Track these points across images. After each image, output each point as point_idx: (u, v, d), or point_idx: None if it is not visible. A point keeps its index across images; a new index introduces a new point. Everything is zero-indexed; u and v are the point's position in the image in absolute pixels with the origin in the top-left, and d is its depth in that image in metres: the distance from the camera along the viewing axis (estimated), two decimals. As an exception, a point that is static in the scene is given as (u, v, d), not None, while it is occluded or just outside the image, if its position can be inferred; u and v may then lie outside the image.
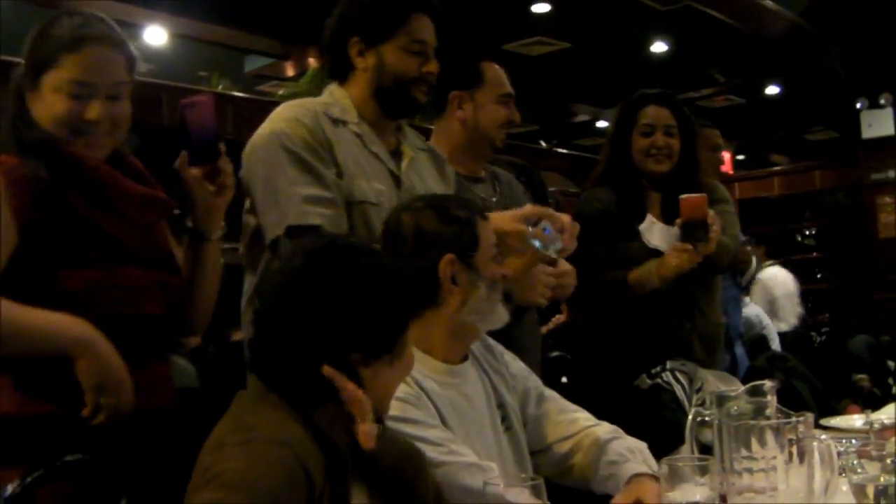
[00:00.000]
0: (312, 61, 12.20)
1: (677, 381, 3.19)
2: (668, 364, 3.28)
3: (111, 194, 2.32)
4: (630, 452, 2.38)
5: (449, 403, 2.29)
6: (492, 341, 2.59)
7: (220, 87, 10.05)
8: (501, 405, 2.45)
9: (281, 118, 2.73)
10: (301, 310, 1.80)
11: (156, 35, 10.72)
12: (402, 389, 2.16)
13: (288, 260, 1.90)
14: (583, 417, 2.53)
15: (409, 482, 1.94)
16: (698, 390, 3.11)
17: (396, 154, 2.88)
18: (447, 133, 3.37)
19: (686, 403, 3.09)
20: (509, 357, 2.60)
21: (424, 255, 2.28)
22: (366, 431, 1.79)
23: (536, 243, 2.60)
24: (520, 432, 2.47)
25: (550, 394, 2.59)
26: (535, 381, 2.60)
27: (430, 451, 2.11)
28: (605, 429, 2.48)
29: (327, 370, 1.78)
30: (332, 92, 2.86)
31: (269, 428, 1.73)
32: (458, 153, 3.33)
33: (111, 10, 10.30)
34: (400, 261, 1.97)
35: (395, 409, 2.11)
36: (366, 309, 1.81)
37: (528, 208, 2.72)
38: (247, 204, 2.78)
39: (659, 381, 3.22)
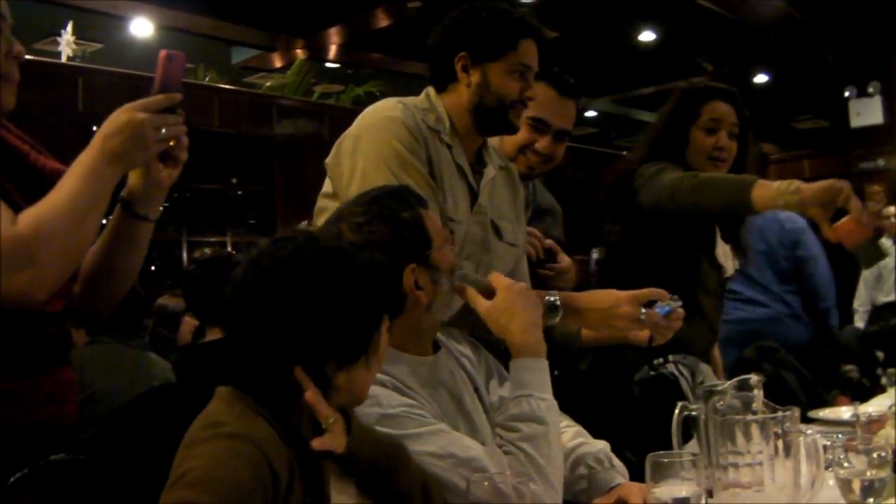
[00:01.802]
0: (299, 52, 12.20)
1: (681, 374, 3.12)
2: (671, 357, 3.17)
3: (24, 171, 2.14)
4: (600, 462, 2.39)
5: (430, 397, 2.27)
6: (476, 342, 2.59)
7: (207, 79, 10.03)
8: (476, 389, 2.44)
9: (386, 110, 2.71)
10: (271, 319, 1.77)
11: (142, 27, 10.70)
12: (397, 399, 2.15)
13: (258, 265, 1.83)
14: (565, 423, 2.49)
15: (387, 476, 1.92)
16: (700, 384, 3.07)
17: (478, 171, 2.85)
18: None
19: (691, 396, 3.04)
20: (477, 344, 2.59)
21: (398, 262, 2.21)
22: (320, 442, 1.78)
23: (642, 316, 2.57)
24: (492, 413, 2.44)
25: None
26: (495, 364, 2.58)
27: (413, 428, 2.11)
28: (588, 441, 2.47)
29: (298, 373, 1.77)
30: (431, 97, 2.83)
31: (235, 424, 1.72)
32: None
33: (98, 2, 10.28)
34: (375, 253, 1.92)
35: (401, 427, 2.10)
36: (337, 319, 1.78)
37: (645, 291, 2.61)
38: (328, 187, 2.74)
39: (663, 371, 3.13)
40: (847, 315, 8.04)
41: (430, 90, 2.85)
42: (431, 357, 2.36)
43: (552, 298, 2.53)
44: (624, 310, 2.54)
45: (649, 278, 3.24)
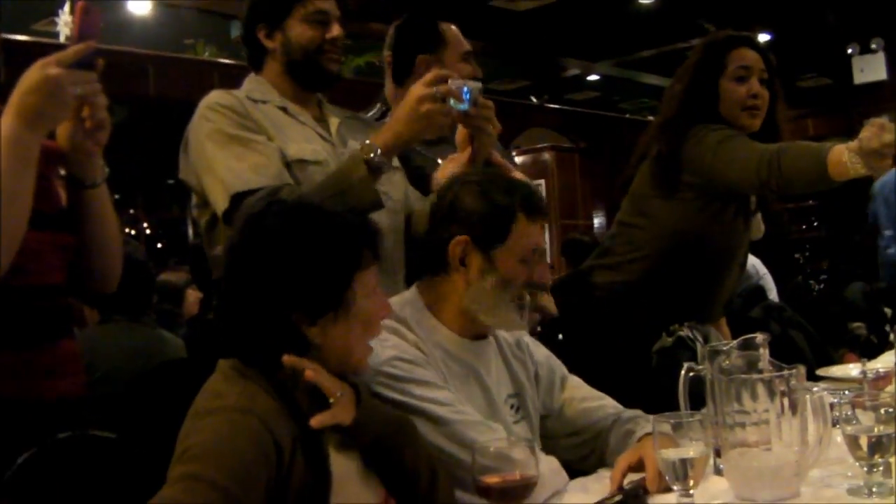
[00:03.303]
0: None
1: (696, 339, 3.08)
2: (686, 324, 3.14)
3: None
4: (637, 421, 2.40)
5: (458, 378, 2.30)
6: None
7: (207, 53, 9.99)
8: (518, 394, 2.45)
9: (202, 108, 2.75)
10: (239, 275, 1.85)
11: (140, 5, 10.63)
12: (411, 352, 2.19)
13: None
14: (609, 404, 2.53)
15: (395, 451, 1.94)
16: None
17: (322, 122, 2.91)
18: None
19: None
20: (532, 343, 2.60)
21: (447, 226, 2.30)
22: (319, 419, 1.79)
23: (451, 102, 2.57)
24: (534, 420, 2.47)
25: (576, 381, 2.60)
26: (559, 368, 2.60)
27: (438, 411, 2.14)
28: (627, 412, 2.48)
29: (287, 359, 1.80)
30: (251, 80, 2.91)
31: (236, 397, 1.75)
32: None
33: (94, -20, 10.21)
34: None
35: (402, 369, 2.15)
36: (300, 267, 1.82)
37: (433, 72, 2.64)
38: (194, 200, 2.81)
39: (681, 334, 3.08)
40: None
41: (251, 76, 2.92)
42: (471, 342, 2.36)
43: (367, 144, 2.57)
44: (418, 92, 2.54)
45: (689, 249, 3.23)
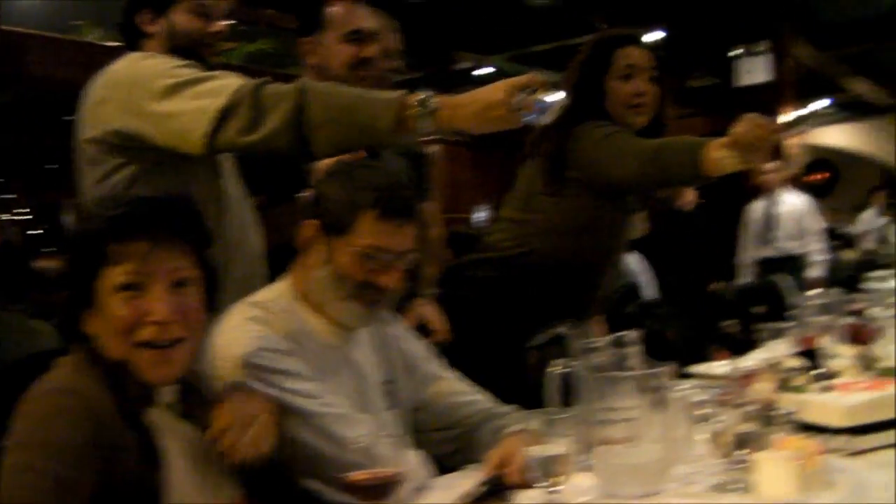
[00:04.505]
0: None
1: (573, 337, 3.09)
2: (563, 320, 3.16)
3: None
4: (508, 417, 2.42)
5: (330, 367, 2.29)
6: (396, 317, 2.59)
7: (93, 36, 9.77)
8: (390, 381, 2.44)
9: (133, 58, 2.71)
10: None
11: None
12: (280, 343, 2.18)
13: None
14: (481, 400, 2.54)
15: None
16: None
17: None
18: None
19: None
20: (407, 332, 2.60)
21: (311, 207, 2.29)
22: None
23: (524, 113, 2.38)
24: (406, 410, 2.47)
25: (449, 374, 2.60)
26: (435, 361, 2.60)
27: (303, 403, 2.12)
28: (499, 408, 2.50)
29: None
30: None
31: (59, 378, 1.73)
32: None
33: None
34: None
35: (268, 360, 2.13)
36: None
37: (523, 78, 2.42)
38: (97, 157, 2.66)
39: (558, 333, 3.09)
40: (730, 270, 8.25)
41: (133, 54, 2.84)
42: (345, 331, 2.35)
43: (424, 97, 2.35)
44: (498, 95, 2.36)
45: (572, 246, 3.24)
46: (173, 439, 1.81)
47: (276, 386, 2.11)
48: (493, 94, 2.35)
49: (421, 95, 2.33)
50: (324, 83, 2.57)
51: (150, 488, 1.73)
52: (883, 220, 12.39)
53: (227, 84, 2.44)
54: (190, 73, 2.53)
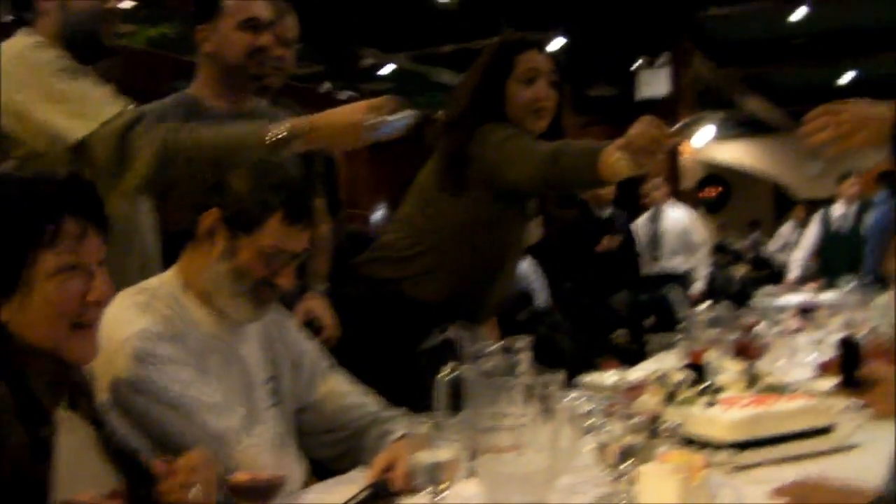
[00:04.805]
0: None
1: (464, 340, 3.08)
2: (455, 323, 3.16)
3: None
4: (396, 421, 2.40)
5: (214, 360, 2.26)
6: (282, 308, 2.54)
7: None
8: (274, 378, 2.41)
9: (19, 48, 2.65)
10: None
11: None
12: (160, 326, 2.14)
13: None
14: (370, 402, 2.52)
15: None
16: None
17: None
18: (202, 69, 3.28)
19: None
20: (297, 329, 2.57)
21: (211, 195, 2.26)
22: None
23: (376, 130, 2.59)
24: (289, 409, 2.44)
25: (340, 375, 2.57)
26: (325, 360, 2.57)
27: (174, 389, 2.10)
28: (386, 412, 2.48)
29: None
30: (29, 32, 2.75)
31: None
32: (216, 88, 3.24)
33: None
34: (30, 182, 1.80)
35: (146, 344, 2.09)
36: None
37: (378, 101, 2.64)
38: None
39: (449, 336, 3.08)
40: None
41: (25, 28, 2.78)
42: (232, 324, 2.32)
43: (282, 127, 2.54)
44: (355, 117, 2.54)
45: (468, 248, 3.22)
46: (63, 431, 1.75)
47: (149, 370, 2.09)
48: (351, 116, 2.55)
49: (280, 126, 2.51)
50: (187, 133, 2.57)
51: (40, 483, 1.67)
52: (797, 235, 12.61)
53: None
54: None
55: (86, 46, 2.74)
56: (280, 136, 2.50)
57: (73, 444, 1.76)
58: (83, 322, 1.75)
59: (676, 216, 8.67)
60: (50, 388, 1.74)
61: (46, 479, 1.68)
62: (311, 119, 2.58)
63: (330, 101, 11.95)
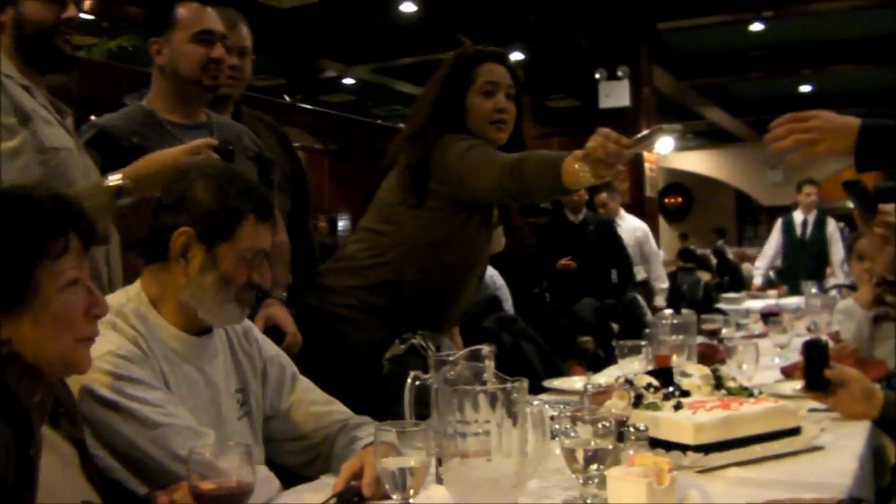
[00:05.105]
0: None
1: (428, 348, 3.07)
2: (418, 332, 3.13)
3: None
4: (363, 428, 2.39)
5: (181, 376, 2.24)
6: (246, 321, 2.52)
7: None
8: (242, 390, 2.40)
9: None
10: None
11: None
12: (127, 348, 2.11)
13: None
14: (337, 409, 2.51)
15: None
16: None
17: (54, 106, 2.79)
18: (156, 82, 3.27)
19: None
20: (262, 339, 2.55)
21: (173, 214, 2.24)
22: None
23: None
24: (257, 419, 2.42)
25: (306, 383, 2.55)
26: (289, 367, 2.55)
27: (146, 412, 2.06)
28: (355, 419, 2.47)
29: None
30: None
31: None
32: (171, 101, 3.23)
33: None
34: (34, 196, 1.79)
35: (115, 365, 2.06)
36: None
37: (197, 143, 2.74)
38: None
39: (413, 342, 3.07)
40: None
41: None
42: (196, 338, 2.30)
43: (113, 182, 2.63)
44: (179, 160, 2.63)
45: (431, 258, 3.22)
46: (45, 450, 1.73)
47: (120, 392, 2.06)
48: (173, 159, 2.64)
49: (111, 181, 2.62)
50: None
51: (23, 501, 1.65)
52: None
53: None
54: None
55: (43, 57, 2.73)
56: (116, 184, 2.60)
57: (54, 464, 1.74)
58: (87, 336, 1.78)
59: (631, 226, 8.67)
60: (38, 407, 1.72)
61: (32, 499, 1.66)
62: (137, 169, 2.66)
63: (294, 111, 11.94)
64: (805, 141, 2.53)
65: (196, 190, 2.25)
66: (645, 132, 2.78)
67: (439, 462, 2.01)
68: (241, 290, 2.26)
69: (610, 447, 1.95)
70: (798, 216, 9.44)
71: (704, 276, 12.29)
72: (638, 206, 11.27)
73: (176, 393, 2.18)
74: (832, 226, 9.24)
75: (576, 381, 3.29)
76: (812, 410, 2.81)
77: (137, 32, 12.30)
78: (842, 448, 2.40)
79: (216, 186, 2.25)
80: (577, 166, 2.75)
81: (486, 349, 2.11)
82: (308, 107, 12.54)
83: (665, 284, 8.87)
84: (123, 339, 2.13)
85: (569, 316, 5.99)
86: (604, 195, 8.30)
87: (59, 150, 2.64)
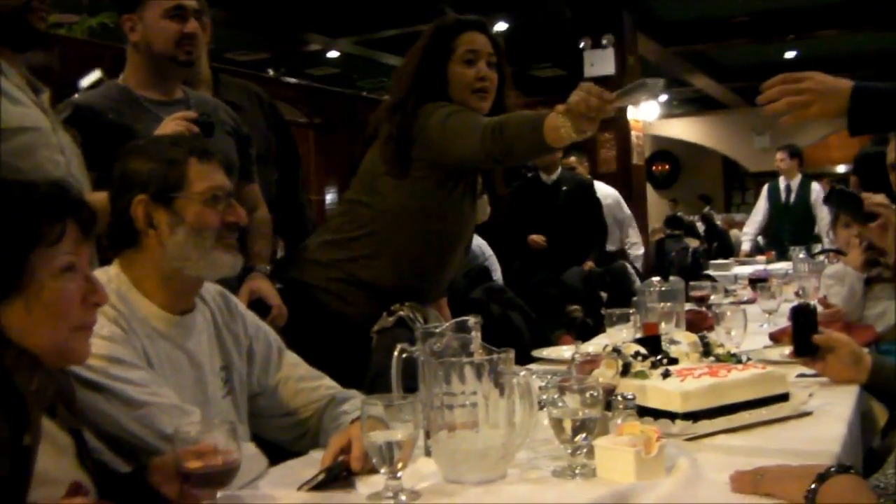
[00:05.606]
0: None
1: (416, 319, 3.06)
2: (406, 304, 3.12)
3: None
4: (351, 402, 2.37)
5: (164, 355, 2.21)
6: (230, 295, 2.51)
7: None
8: (226, 367, 2.38)
9: None
10: None
11: None
12: (109, 328, 2.09)
13: None
14: (326, 384, 2.49)
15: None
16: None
17: (31, 86, 2.77)
18: (131, 59, 3.26)
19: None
20: (248, 315, 2.53)
21: (123, 195, 2.23)
22: None
23: None
24: (240, 395, 2.41)
25: (293, 358, 2.54)
26: (275, 343, 2.53)
27: (131, 392, 2.05)
28: (343, 393, 2.46)
29: None
30: None
31: None
32: (146, 77, 3.23)
33: None
34: (27, 183, 1.79)
35: (97, 346, 2.02)
36: None
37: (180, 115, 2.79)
38: None
39: (401, 314, 3.05)
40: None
41: None
42: (179, 317, 2.28)
43: None
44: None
45: (416, 229, 3.20)
46: (44, 441, 1.71)
47: (104, 373, 2.04)
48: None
49: None
50: None
51: (17, 493, 1.63)
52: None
53: None
54: None
55: (16, 35, 2.69)
56: None
57: (48, 452, 1.72)
58: (84, 324, 1.77)
59: (601, 194, 8.55)
60: (36, 396, 1.70)
61: (25, 488, 1.64)
62: None
63: (278, 84, 11.87)
64: (797, 103, 2.51)
65: (131, 163, 2.26)
66: (628, 86, 2.76)
67: (427, 435, 2.01)
68: (219, 235, 2.25)
69: (598, 416, 1.94)
70: (782, 182, 9.45)
71: (692, 243, 12.27)
72: (625, 174, 11.26)
73: (159, 372, 2.17)
74: (816, 191, 9.24)
75: (564, 351, 3.28)
76: (801, 376, 2.80)
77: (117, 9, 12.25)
78: (830, 413, 2.39)
79: (147, 150, 2.28)
80: (558, 122, 2.74)
81: (472, 320, 2.11)
82: (292, 80, 12.48)
83: (641, 251, 8.83)
84: (105, 319, 2.11)
85: (557, 285, 5.99)
86: (572, 159, 8.17)
87: (26, 130, 2.61)
